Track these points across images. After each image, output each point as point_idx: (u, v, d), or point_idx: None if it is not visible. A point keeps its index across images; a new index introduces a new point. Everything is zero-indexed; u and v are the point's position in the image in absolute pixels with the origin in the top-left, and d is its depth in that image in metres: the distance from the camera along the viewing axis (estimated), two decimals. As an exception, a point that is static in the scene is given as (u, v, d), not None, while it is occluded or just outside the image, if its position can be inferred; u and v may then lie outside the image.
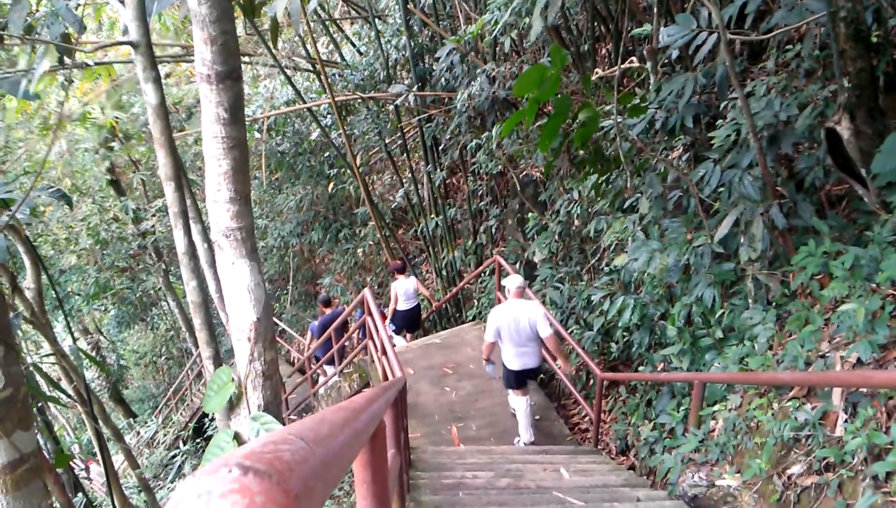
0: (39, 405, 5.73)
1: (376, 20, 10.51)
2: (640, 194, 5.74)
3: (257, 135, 12.35)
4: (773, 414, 3.87)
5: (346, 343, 8.85)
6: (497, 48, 8.77)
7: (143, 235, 13.91)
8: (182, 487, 0.51)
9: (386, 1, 12.23)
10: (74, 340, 5.46)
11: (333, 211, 14.53)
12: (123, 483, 8.70)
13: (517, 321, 5.67)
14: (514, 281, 5.88)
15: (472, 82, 8.09)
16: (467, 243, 10.61)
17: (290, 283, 15.63)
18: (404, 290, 8.69)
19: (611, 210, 6.45)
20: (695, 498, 4.11)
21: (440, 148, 10.32)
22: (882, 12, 4.23)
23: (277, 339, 12.13)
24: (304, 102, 10.69)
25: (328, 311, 9.06)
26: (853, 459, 3.14)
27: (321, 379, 9.44)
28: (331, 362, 8.81)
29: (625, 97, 5.57)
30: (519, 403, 5.98)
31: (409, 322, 9.12)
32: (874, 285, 3.60)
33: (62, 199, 4.57)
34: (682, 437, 4.64)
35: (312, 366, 9.55)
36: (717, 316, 4.81)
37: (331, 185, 13.21)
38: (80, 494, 7.29)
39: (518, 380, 5.87)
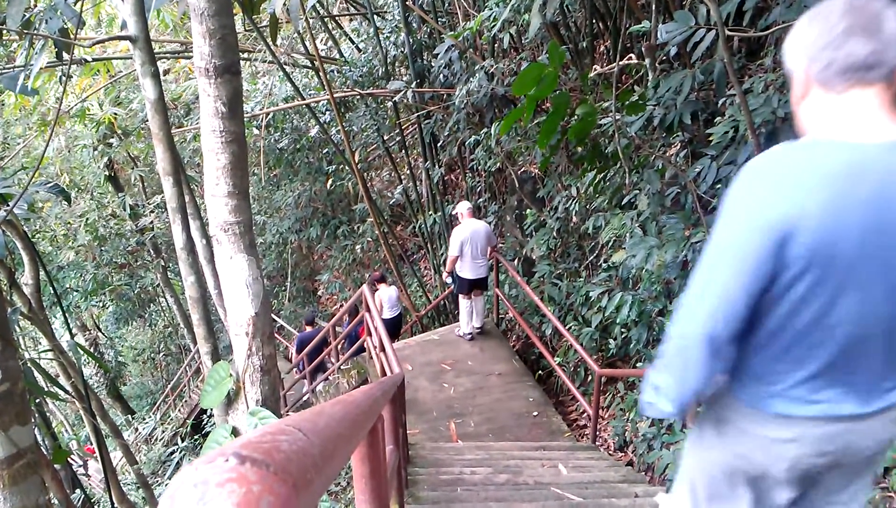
0: (37, 400, 5.73)
1: (375, 17, 10.48)
2: (638, 191, 5.75)
3: (256, 131, 12.33)
4: (770, 410, 3.87)
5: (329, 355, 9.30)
6: (496, 45, 8.76)
7: (141, 231, 13.90)
8: (179, 476, 0.51)
9: (384, -3, 12.23)
10: (72, 336, 5.45)
11: (332, 207, 14.51)
12: (121, 479, 8.70)
13: (476, 234, 7.24)
14: (464, 204, 7.55)
15: (471, 79, 8.07)
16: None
17: (289, 279, 15.62)
18: (388, 298, 8.71)
19: (609, 207, 6.45)
20: (692, 494, 4.11)
21: (438, 144, 10.30)
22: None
23: (276, 335, 12.14)
24: (303, 99, 10.66)
25: (310, 329, 9.78)
26: (850, 455, 3.15)
27: (305, 387, 9.83)
28: (314, 374, 9.42)
29: (623, 94, 5.57)
30: (477, 301, 7.78)
31: (394, 330, 9.17)
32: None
33: (60, 195, 4.56)
34: (681, 433, 4.65)
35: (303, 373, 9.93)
36: (715, 313, 4.81)
37: (329, 181, 13.19)
38: (77, 490, 7.28)
39: (471, 287, 7.50)
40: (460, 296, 7.83)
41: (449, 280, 7.82)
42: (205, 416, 11.94)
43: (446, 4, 10.51)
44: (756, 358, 1.43)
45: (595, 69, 7.65)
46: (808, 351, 1.37)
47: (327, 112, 11.51)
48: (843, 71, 1.28)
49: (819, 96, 1.34)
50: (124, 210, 13.75)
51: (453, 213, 8.38)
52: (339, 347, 8.94)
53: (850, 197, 1.21)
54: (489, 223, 10.26)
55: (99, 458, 5.78)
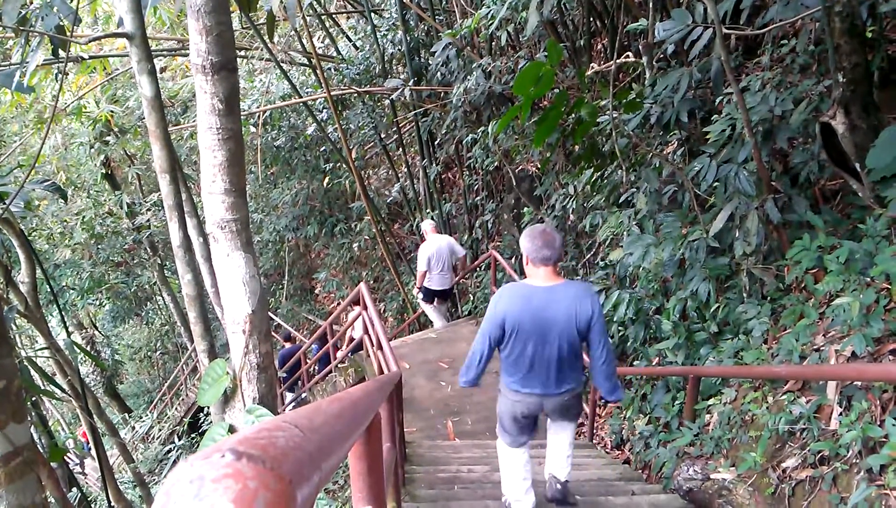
0: (34, 399, 5.71)
1: (372, 14, 10.47)
2: (635, 189, 5.75)
3: (253, 129, 12.29)
4: (767, 408, 3.88)
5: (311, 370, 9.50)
6: (493, 43, 8.75)
7: (137, 229, 13.85)
8: (175, 472, 0.50)
9: (382, -5, 12.19)
10: (69, 334, 5.45)
11: (329, 206, 14.49)
12: (118, 477, 8.68)
13: (441, 249, 7.98)
14: (428, 223, 8.40)
15: (468, 77, 8.06)
16: (463, 237, 10.60)
17: (286, 278, 15.60)
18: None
19: (606, 205, 6.45)
20: (690, 492, 4.13)
21: (436, 143, 10.29)
22: (877, 7, 4.23)
23: (273, 334, 12.12)
24: (300, 97, 10.64)
25: (289, 345, 10.23)
26: (848, 452, 3.15)
27: (287, 399, 10.01)
28: (291, 388, 9.77)
29: (620, 92, 5.56)
30: (440, 309, 8.69)
31: (359, 347, 9.28)
32: (868, 279, 3.61)
33: (57, 193, 4.56)
34: (677, 431, 4.66)
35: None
36: (711, 310, 4.82)
37: (326, 179, 13.16)
38: (74, 489, 7.26)
39: (435, 296, 8.35)
40: (424, 303, 8.61)
41: (420, 296, 8.47)
42: (202, 414, 11.93)
43: (444, 2, 10.50)
44: (505, 365, 3.35)
45: (592, 67, 7.64)
46: (521, 366, 3.26)
47: (324, 110, 11.49)
48: (540, 261, 3.17)
49: (530, 266, 3.23)
50: (121, 208, 13.69)
51: (422, 233, 8.91)
52: (313, 370, 9.21)
53: (528, 305, 3.13)
54: (486, 222, 10.30)
55: (96, 456, 5.77)
